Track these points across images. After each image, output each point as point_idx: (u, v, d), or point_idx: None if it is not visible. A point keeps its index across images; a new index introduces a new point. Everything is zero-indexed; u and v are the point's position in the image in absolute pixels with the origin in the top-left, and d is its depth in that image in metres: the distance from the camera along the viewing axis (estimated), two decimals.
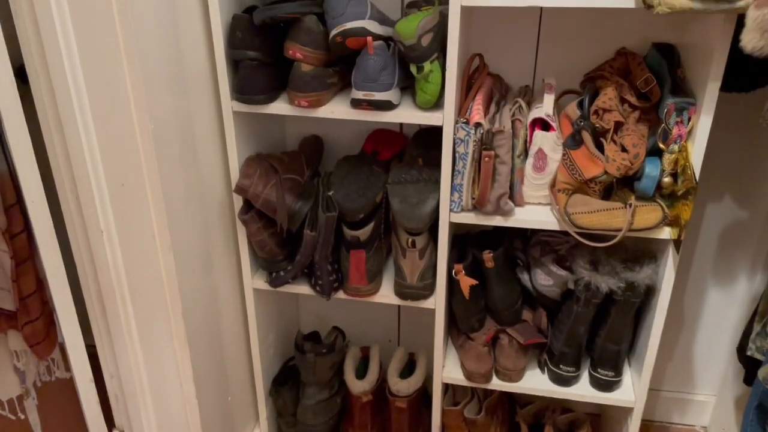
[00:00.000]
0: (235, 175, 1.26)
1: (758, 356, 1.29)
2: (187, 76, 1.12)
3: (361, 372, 1.57)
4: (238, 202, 1.30)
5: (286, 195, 1.26)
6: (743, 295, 1.53)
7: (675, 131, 1.08)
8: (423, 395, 1.54)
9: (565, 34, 1.31)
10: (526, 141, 1.21)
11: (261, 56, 1.14)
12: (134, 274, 1.07)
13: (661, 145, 1.10)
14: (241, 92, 1.17)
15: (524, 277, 1.36)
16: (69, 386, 1.29)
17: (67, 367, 1.33)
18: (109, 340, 1.14)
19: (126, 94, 0.94)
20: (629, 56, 1.24)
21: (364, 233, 1.28)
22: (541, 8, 1.30)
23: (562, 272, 1.29)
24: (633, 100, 1.17)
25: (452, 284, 1.33)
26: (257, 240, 1.29)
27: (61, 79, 0.93)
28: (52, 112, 0.97)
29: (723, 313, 1.56)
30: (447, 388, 1.55)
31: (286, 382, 1.57)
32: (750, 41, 0.79)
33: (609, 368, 1.33)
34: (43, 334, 1.30)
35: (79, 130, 0.96)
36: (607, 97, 1.15)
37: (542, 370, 1.41)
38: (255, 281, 1.39)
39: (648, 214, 1.13)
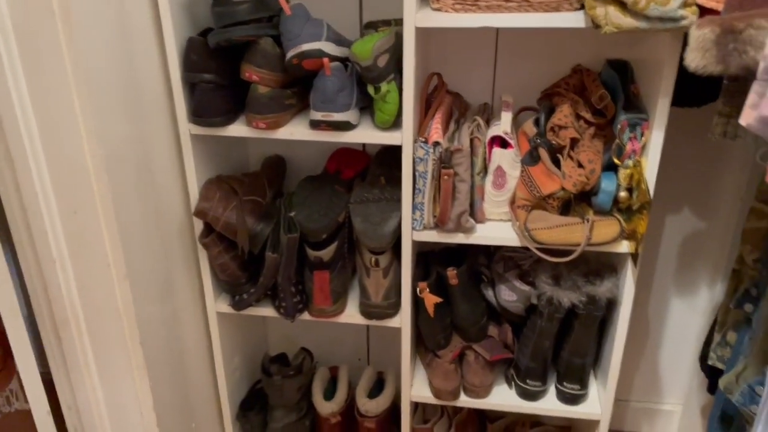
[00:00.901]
0: (194, 198, 1.25)
1: (719, 365, 1.30)
2: (141, 100, 1.11)
3: (330, 393, 1.55)
4: (199, 225, 1.28)
5: (247, 217, 1.25)
6: (705, 305, 1.55)
7: (629, 147, 1.10)
8: (392, 414, 1.53)
9: (523, 51, 1.33)
10: (485, 158, 1.22)
11: (217, 79, 1.14)
12: (89, 304, 1.05)
13: (616, 161, 1.11)
14: (198, 115, 1.17)
15: (489, 293, 1.37)
16: (30, 417, 1.25)
17: (27, 398, 1.30)
18: (65, 371, 1.11)
19: (76, 121, 0.92)
20: (584, 73, 1.26)
21: (327, 254, 1.28)
22: (497, 28, 1.31)
23: (526, 287, 1.29)
24: (588, 116, 1.19)
25: (417, 302, 1.32)
26: (219, 263, 1.28)
27: (8, 105, 0.91)
28: None
29: (686, 324, 1.58)
30: (416, 406, 1.54)
31: (253, 406, 1.55)
32: (693, 60, 0.80)
33: (575, 382, 1.33)
34: (0, 365, 1.27)
35: (28, 157, 0.94)
36: (563, 114, 1.16)
37: (509, 385, 1.41)
38: (218, 305, 1.37)
39: (606, 229, 1.15)
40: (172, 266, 1.26)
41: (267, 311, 1.37)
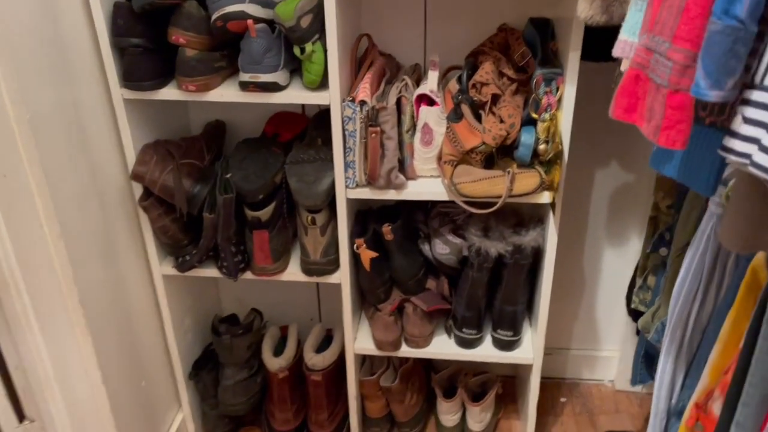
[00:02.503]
0: (132, 162, 1.27)
1: (642, 308, 1.38)
2: (70, 65, 1.13)
3: (280, 350, 1.60)
4: (138, 189, 1.31)
5: (185, 179, 1.28)
6: (635, 254, 1.62)
7: (545, 100, 1.15)
8: (340, 368, 1.59)
9: (451, 12, 1.37)
10: (413, 117, 1.26)
11: (145, 43, 1.16)
12: (26, 265, 1.07)
13: (534, 115, 1.16)
14: (128, 79, 1.19)
15: (425, 248, 1.42)
16: None
17: None
18: (8, 332, 1.15)
19: None
20: (509, 32, 1.30)
21: (265, 214, 1.32)
22: None
23: (457, 240, 1.35)
24: (511, 73, 1.23)
25: (357, 259, 1.37)
26: (159, 226, 1.31)
27: None
28: None
29: (619, 273, 1.66)
30: (364, 359, 1.61)
31: (205, 366, 1.60)
32: (582, 11, 0.85)
33: (508, 328, 1.40)
34: None
35: None
36: (485, 71, 1.21)
37: (448, 335, 1.48)
38: (163, 267, 1.41)
39: (527, 180, 1.20)
40: (112, 229, 1.29)
41: (210, 272, 1.41)
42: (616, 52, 0.69)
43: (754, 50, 0.51)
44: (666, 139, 0.55)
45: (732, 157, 0.53)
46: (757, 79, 0.51)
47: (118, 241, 1.31)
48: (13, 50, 0.96)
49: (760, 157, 0.49)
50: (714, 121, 0.57)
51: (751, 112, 0.51)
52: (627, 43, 0.67)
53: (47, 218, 1.05)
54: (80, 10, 1.14)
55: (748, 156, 0.50)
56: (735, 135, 0.53)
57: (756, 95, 0.52)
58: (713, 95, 0.50)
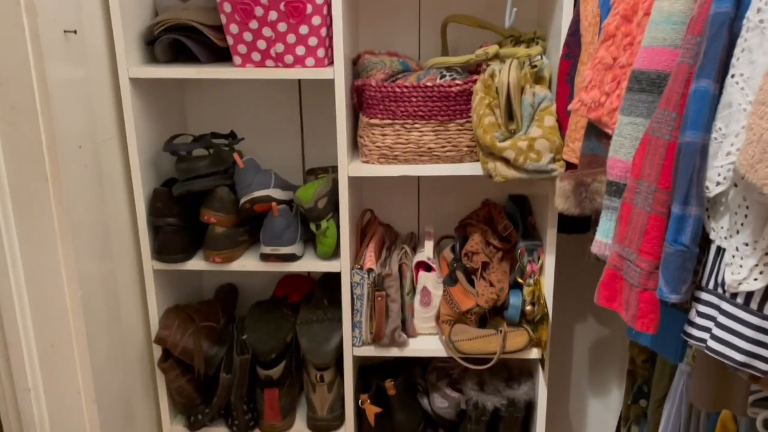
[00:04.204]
0: (154, 326, 1.38)
1: None
2: (112, 243, 1.27)
3: None
4: (157, 351, 1.41)
5: (203, 342, 1.39)
6: (617, 404, 1.73)
7: (528, 268, 1.32)
8: None
9: (441, 189, 1.58)
10: (413, 280, 1.42)
11: (179, 222, 1.32)
12: (59, 428, 1.14)
13: (520, 280, 1.33)
14: (161, 253, 1.33)
15: (424, 402, 1.51)
16: None
17: None
18: None
19: (58, 265, 1.07)
20: (492, 206, 1.51)
21: (276, 372, 1.41)
22: None
23: (455, 394, 1.45)
24: (496, 243, 1.42)
25: (360, 413, 1.46)
26: (176, 386, 1.39)
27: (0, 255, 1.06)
28: None
29: (603, 422, 1.75)
30: None
31: None
32: (559, 204, 1.04)
33: None
34: None
35: (12, 295, 1.07)
36: (474, 242, 1.39)
37: None
38: (174, 427, 1.46)
39: (517, 338, 1.34)
40: (132, 391, 1.36)
41: (220, 431, 1.46)
42: (594, 249, 0.87)
43: (698, 262, 0.68)
44: (641, 326, 0.71)
45: (691, 341, 0.68)
46: (704, 283, 0.69)
47: (135, 403, 1.38)
48: (74, 237, 1.10)
49: (712, 344, 0.65)
50: (675, 304, 0.73)
51: (701, 308, 0.68)
52: (602, 243, 0.85)
53: (85, 385, 1.14)
54: (123, 196, 1.31)
55: (704, 341, 0.65)
56: (692, 324, 0.69)
57: (704, 295, 0.69)
58: (673, 298, 0.67)
